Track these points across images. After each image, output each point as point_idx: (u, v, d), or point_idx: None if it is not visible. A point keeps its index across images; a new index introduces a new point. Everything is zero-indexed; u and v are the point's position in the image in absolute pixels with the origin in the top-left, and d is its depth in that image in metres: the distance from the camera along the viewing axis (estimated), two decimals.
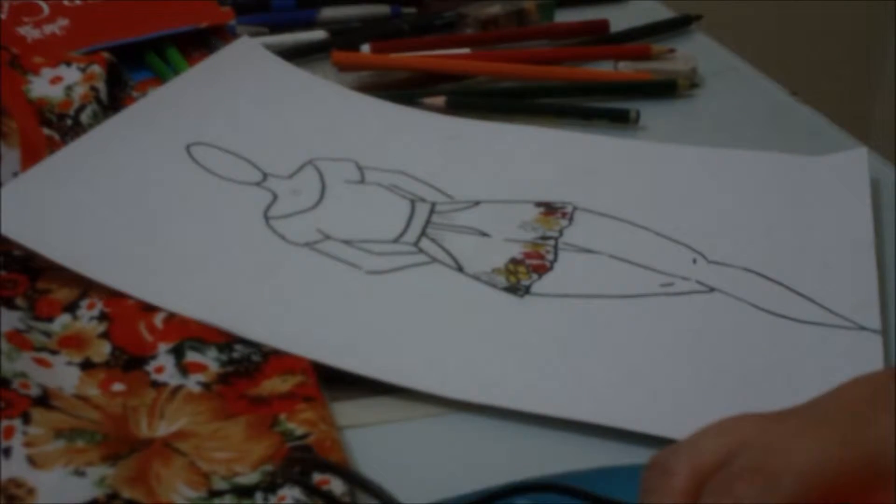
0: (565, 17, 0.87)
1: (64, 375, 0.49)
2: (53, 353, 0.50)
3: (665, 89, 0.77)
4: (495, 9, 0.86)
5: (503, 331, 0.54)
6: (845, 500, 0.37)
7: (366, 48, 0.79)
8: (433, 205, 0.63)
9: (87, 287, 0.54)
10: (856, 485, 0.37)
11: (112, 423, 0.47)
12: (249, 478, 0.44)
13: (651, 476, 0.39)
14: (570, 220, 0.62)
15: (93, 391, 0.49)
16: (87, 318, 0.53)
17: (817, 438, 0.38)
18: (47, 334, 0.51)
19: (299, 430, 0.47)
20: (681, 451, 0.39)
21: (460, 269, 0.58)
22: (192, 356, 0.51)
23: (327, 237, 0.59)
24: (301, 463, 0.44)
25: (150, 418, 0.47)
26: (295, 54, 0.78)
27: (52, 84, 0.67)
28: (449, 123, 0.72)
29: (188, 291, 0.54)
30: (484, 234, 0.61)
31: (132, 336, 0.52)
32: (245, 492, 0.44)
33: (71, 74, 0.68)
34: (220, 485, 0.44)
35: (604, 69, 0.80)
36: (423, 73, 0.78)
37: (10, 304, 0.52)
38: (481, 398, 0.50)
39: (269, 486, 0.44)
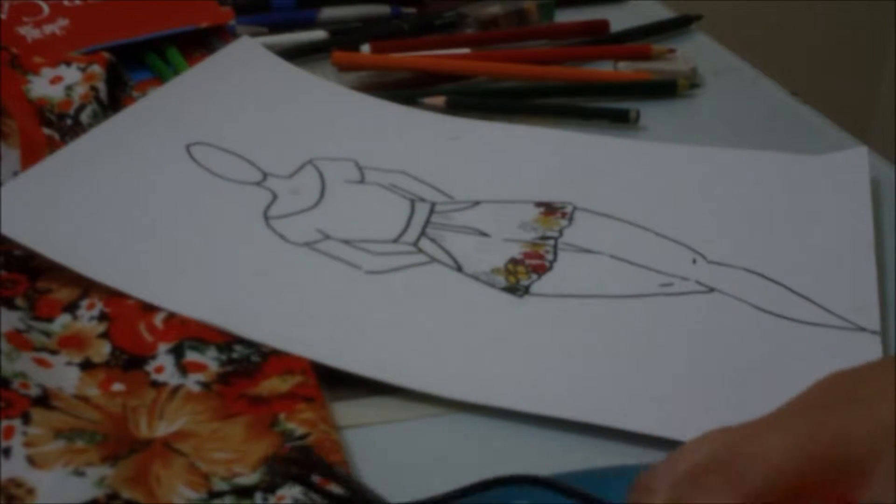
0: (565, 17, 0.87)
1: (64, 375, 0.49)
2: (53, 353, 0.50)
3: (665, 89, 0.77)
4: (495, 9, 0.86)
5: (502, 331, 0.54)
6: (813, 494, 0.37)
7: (366, 48, 0.79)
8: (433, 205, 0.63)
9: (87, 287, 0.54)
10: (822, 479, 0.37)
11: (112, 424, 0.47)
12: (249, 478, 0.44)
13: (634, 496, 0.40)
14: (570, 220, 0.62)
15: (93, 391, 0.49)
16: (87, 318, 0.53)
17: (784, 432, 0.38)
18: (47, 334, 0.51)
19: (299, 430, 0.47)
20: (659, 468, 0.40)
21: (460, 268, 0.58)
22: (191, 356, 0.51)
23: (327, 237, 0.59)
24: (297, 462, 0.44)
25: (150, 418, 0.47)
26: (295, 54, 0.78)
27: (52, 84, 0.67)
28: (449, 123, 0.72)
29: (188, 291, 0.54)
30: (483, 234, 0.61)
31: (132, 336, 0.52)
32: (245, 492, 0.44)
33: (71, 74, 0.68)
34: (220, 486, 0.44)
35: (604, 69, 0.80)
36: (423, 73, 0.78)
37: (10, 304, 0.52)
38: (481, 398, 0.50)
39: (269, 487, 0.44)
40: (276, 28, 0.83)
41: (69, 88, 0.67)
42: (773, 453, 0.38)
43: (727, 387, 0.51)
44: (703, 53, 0.81)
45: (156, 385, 0.49)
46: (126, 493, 0.43)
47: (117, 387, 0.49)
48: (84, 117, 0.66)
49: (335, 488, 0.44)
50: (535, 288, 0.57)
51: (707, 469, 0.38)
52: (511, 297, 0.56)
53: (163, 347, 0.51)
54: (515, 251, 0.59)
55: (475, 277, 0.57)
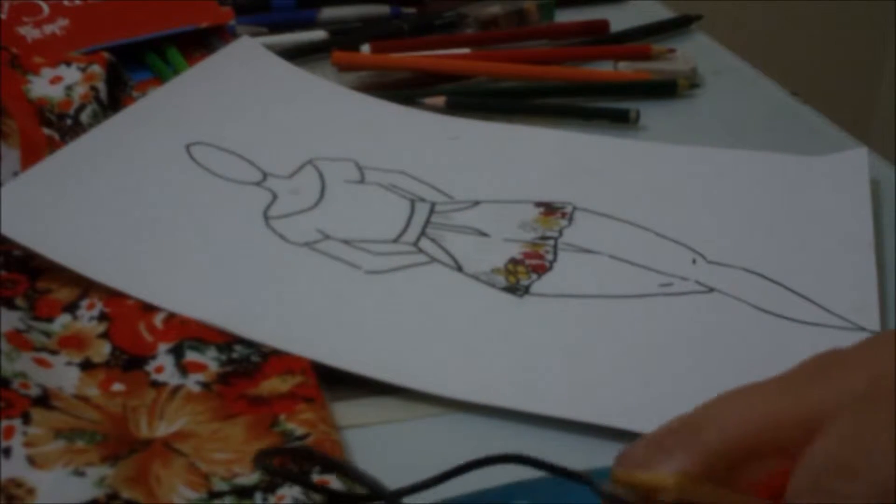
0: (565, 17, 0.87)
1: (64, 375, 0.49)
2: (53, 353, 0.50)
3: (665, 89, 0.77)
4: (495, 9, 0.86)
5: (502, 331, 0.54)
6: (774, 459, 0.38)
7: (366, 48, 0.79)
8: (433, 205, 0.63)
9: (87, 287, 0.54)
10: (784, 445, 0.37)
11: (112, 424, 0.47)
12: (249, 478, 0.45)
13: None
14: (570, 220, 0.62)
15: (93, 391, 0.49)
16: (87, 318, 0.53)
17: (750, 399, 0.39)
18: (47, 334, 0.51)
19: (299, 431, 0.47)
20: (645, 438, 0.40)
21: (460, 268, 0.58)
22: (191, 356, 0.51)
23: (327, 237, 0.59)
24: (286, 454, 0.44)
25: (150, 418, 0.47)
26: (295, 54, 0.78)
27: (52, 84, 0.67)
28: (449, 123, 0.72)
29: (188, 291, 0.54)
30: (483, 234, 0.61)
31: (132, 336, 0.52)
32: (245, 492, 0.44)
33: (71, 74, 0.68)
34: (220, 486, 0.44)
35: (604, 69, 0.80)
36: (423, 73, 0.78)
37: (10, 304, 0.52)
38: (481, 398, 0.50)
39: (269, 486, 0.44)
40: (276, 28, 0.83)
41: (69, 88, 0.67)
42: (733, 414, 0.38)
43: (727, 387, 0.51)
44: (703, 53, 0.81)
45: (156, 385, 0.49)
46: (126, 493, 0.43)
47: (117, 387, 0.49)
48: (84, 117, 0.66)
49: (335, 484, 0.44)
50: (535, 288, 0.57)
51: (670, 431, 0.39)
52: (511, 297, 0.56)
53: (163, 347, 0.51)
54: (515, 251, 0.59)
55: (475, 277, 0.57)
